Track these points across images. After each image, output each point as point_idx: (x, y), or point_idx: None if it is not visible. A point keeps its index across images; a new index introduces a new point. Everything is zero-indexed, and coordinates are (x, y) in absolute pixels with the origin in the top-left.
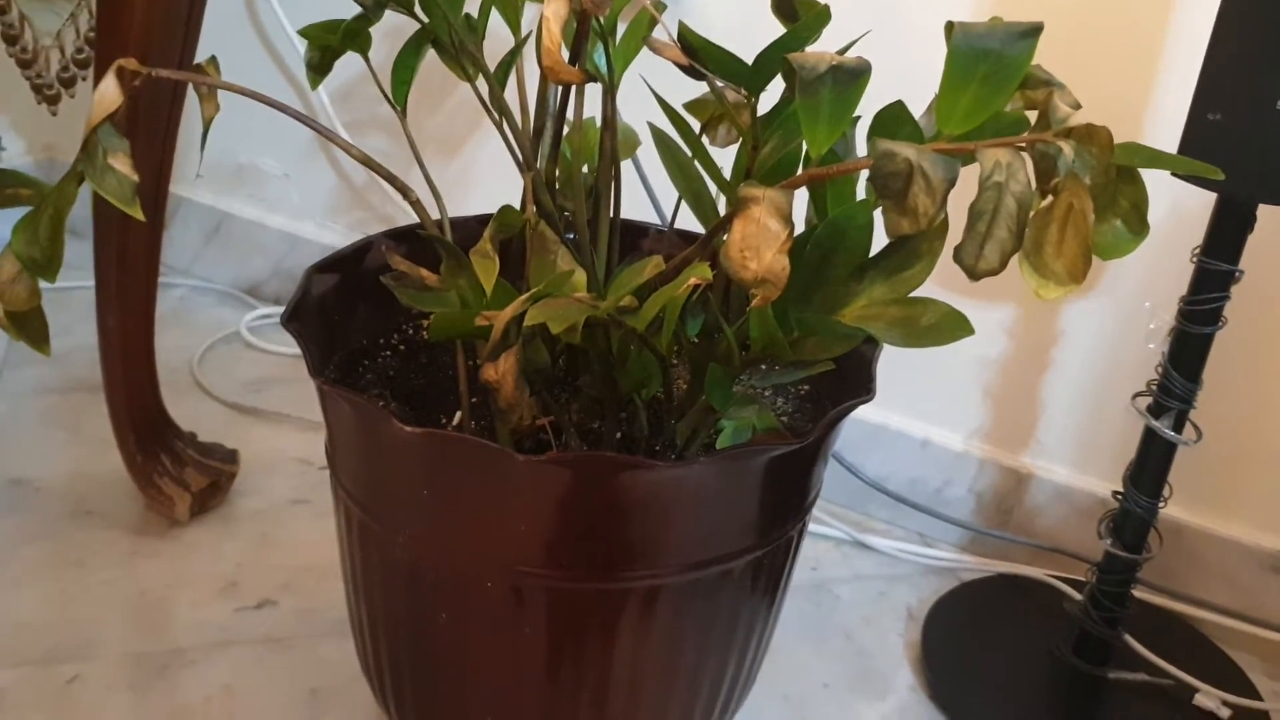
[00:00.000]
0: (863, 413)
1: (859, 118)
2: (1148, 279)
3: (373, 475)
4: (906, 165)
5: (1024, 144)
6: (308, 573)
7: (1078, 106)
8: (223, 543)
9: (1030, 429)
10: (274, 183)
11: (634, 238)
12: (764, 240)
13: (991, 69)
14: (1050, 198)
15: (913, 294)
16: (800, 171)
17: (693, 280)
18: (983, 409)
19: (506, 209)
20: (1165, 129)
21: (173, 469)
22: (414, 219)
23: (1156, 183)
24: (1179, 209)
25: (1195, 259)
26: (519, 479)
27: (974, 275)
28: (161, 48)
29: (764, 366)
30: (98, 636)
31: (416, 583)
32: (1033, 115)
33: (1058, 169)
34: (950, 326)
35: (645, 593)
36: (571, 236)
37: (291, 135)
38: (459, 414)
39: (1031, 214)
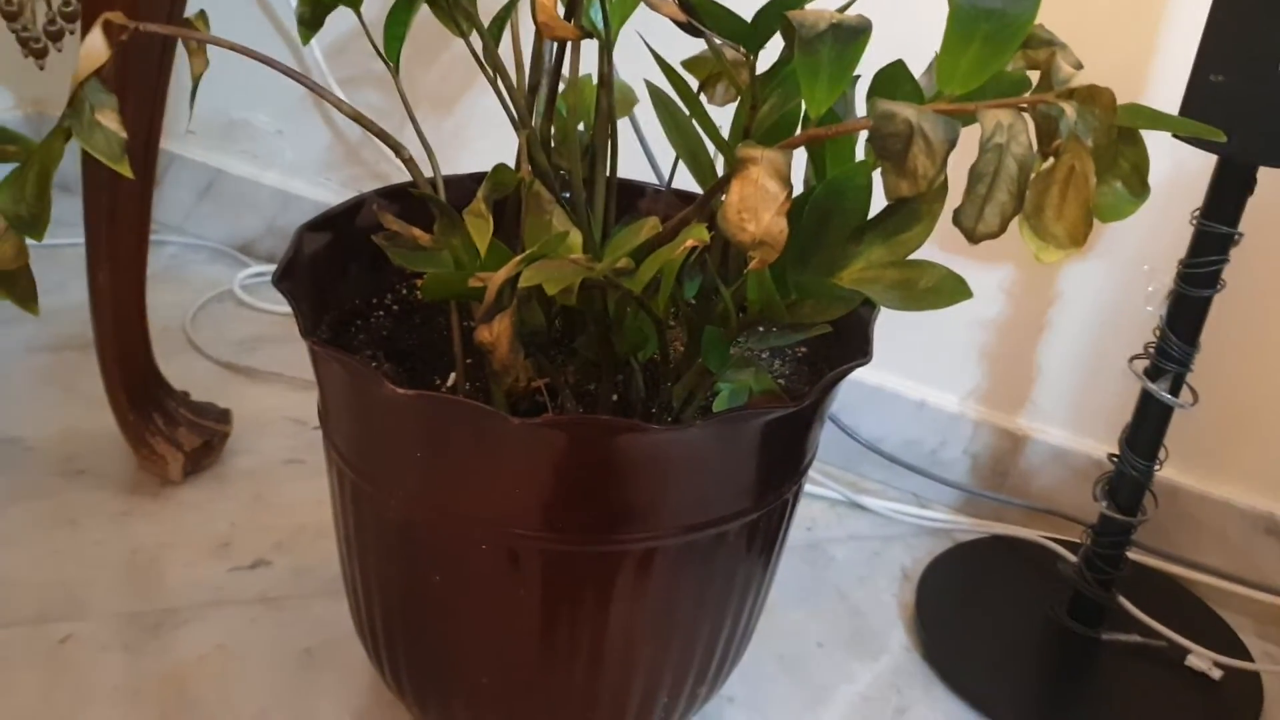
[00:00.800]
0: (859, 374)
1: (859, 77)
2: (1147, 241)
3: (365, 437)
4: (906, 126)
5: (1026, 105)
6: (301, 532)
7: (1080, 67)
8: (216, 502)
9: (1026, 391)
10: (267, 139)
11: (631, 197)
12: (762, 202)
13: (994, 28)
14: (1051, 160)
15: (911, 256)
16: (799, 131)
17: (690, 242)
18: (979, 371)
19: (500, 168)
20: (1167, 90)
21: (165, 428)
22: (408, 177)
23: (1157, 144)
24: (1180, 171)
25: (1195, 221)
26: (513, 442)
27: (973, 238)
28: (151, 5)
29: (761, 329)
30: (90, 596)
31: (410, 545)
32: (1035, 76)
33: (1059, 131)
34: (949, 289)
35: (641, 555)
36: (567, 196)
37: (284, 91)
38: (454, 375)
39: (1032, 176)
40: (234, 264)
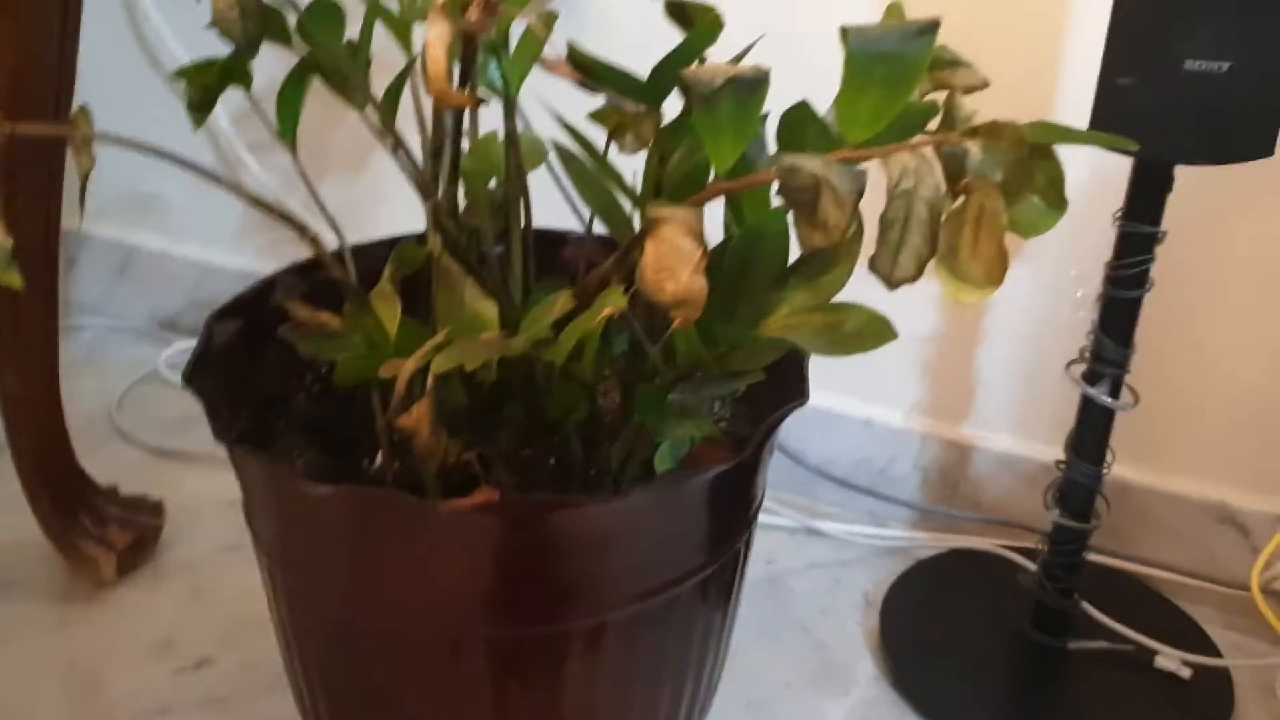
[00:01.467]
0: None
1: (767, 114)
2: (1072, 245)
3: (292, 535)
4: (812, 179)
5: (931, 145)
6: (245, 624)
7: (986, 84)
8: (154, 600)
9: (969, 400)
10: (180, 211)
11: (554, 247)
12: (678, 260)
13: (891, 71)
14: (962, 199)
15: (835, 299)
16: (711, 181)
17: (608, 310)
18: (921, 384)
19: (404, 246)
20: (1080, 95)
21: (94, 529)
22: (332, 238)
23: (1074, 148)
24: (1098, 172)
25: (1117, 223)
26: (441, 529)
27: (890, 285)
28: (33, 99)
29: (696, 378)
30: (29, 717)
31: (349, 641)
32: (943, 95)
33: (966, 169)
34: (874, 332)
35: (590, 631)
36: (499, 250)
37: (195, 159)
38: (381, 456)
39: (944, 217)
40: (157, 342)
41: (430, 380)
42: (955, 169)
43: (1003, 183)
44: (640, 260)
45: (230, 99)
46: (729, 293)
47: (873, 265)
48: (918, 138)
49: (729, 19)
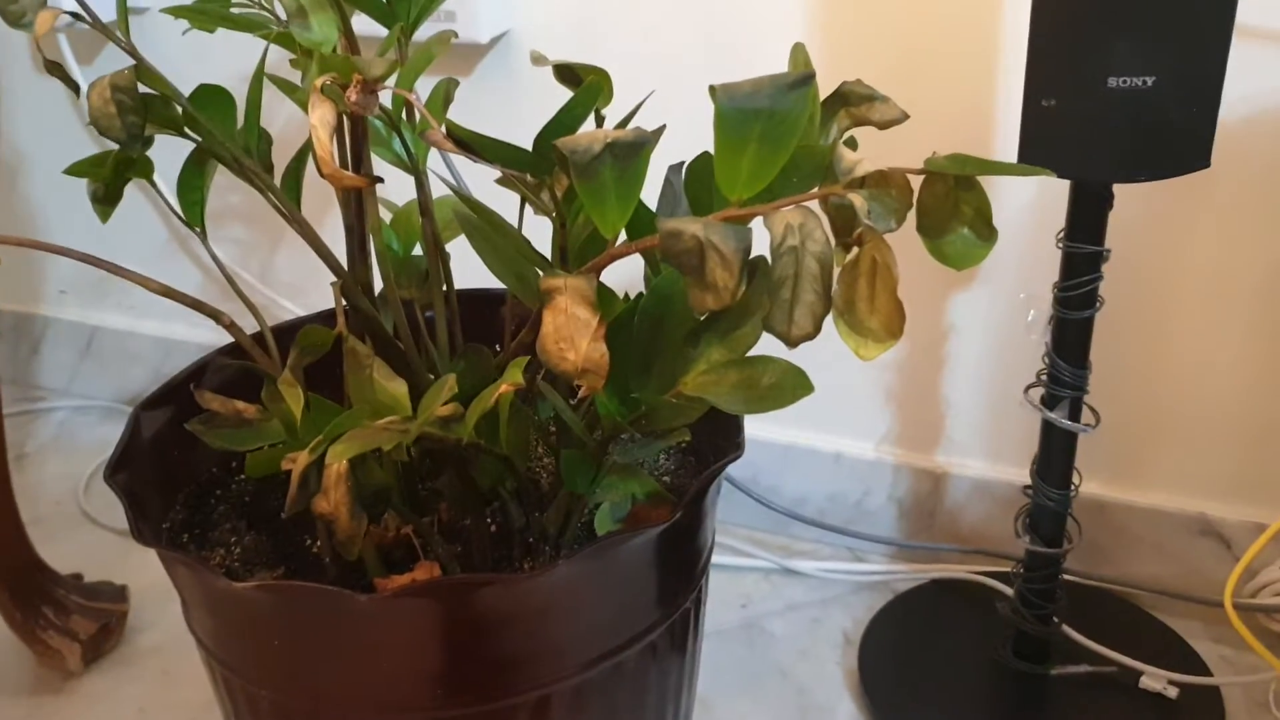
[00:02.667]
0: (771, 434)
1: (682, 164)
2: (1021, 265)
3: (225, 630)
4: (695, 242)
5: (816, 199)
6: (214, 707)
7: (904, 118)
8: (123, 687)
9: (939, 427)
10: (139, 289)
11: (489, 306)
12: (576, 330)
13: (766, 127)
14: (855, 250)
15: (750, 352)
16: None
17: (504, 388)
18: (889, 414)
19: (309, 329)
20: (1014, 117)
21: (57, 619)
22: (288, 308)
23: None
24: (1042, 192)
25: (1061, 244)
26: (369, 617)
27: (790, 342)
28: None
29: (623, 440)
30: None
31: None
32: (860, 131)
33: (856, 220)
34: (791, 385)
35: (534, 705)
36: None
37: (149, 236)
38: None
39: (838, 270)
40: (124, 420)
41: (338, 467)
42: (845, 221)
43: (923, 211)
44: (540, 332)
45: (169, 171)
46: (644, 350)
47: (768, 325)
48: (802, 193)
49: (642, 48)
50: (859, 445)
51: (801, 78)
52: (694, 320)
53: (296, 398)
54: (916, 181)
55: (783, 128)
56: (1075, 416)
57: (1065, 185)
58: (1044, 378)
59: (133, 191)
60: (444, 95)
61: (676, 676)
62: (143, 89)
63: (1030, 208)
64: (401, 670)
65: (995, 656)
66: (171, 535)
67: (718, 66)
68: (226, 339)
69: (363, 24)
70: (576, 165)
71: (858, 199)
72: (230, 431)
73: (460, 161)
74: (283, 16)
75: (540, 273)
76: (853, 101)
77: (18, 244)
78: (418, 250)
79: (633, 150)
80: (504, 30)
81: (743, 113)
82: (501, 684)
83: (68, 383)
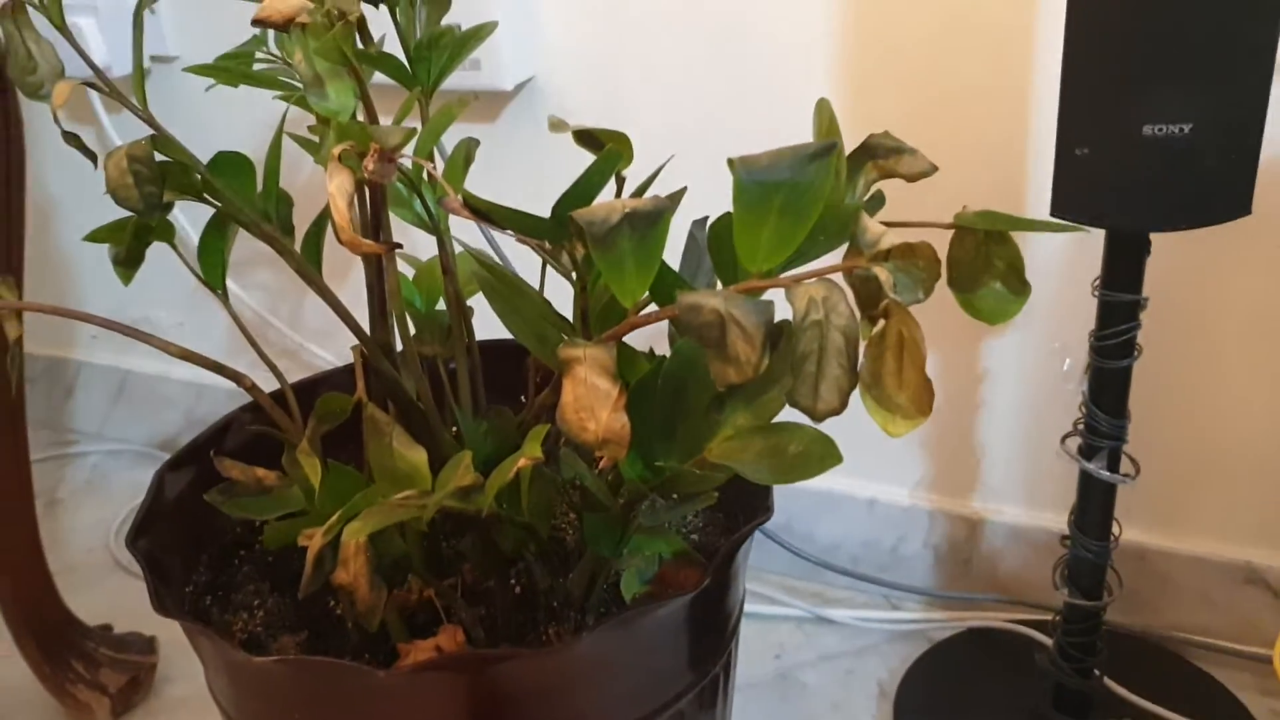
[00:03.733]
0: (805, 481)
1: (707, 218)
2: (1057, 312)
3: (246, 699)
4: (715, 315)
5: (840, 272)
6: None
7: (933, 170)
8: None
9: (974, 473)
10: (170, 333)
11: (515, 356)
12: (596, 400)
13: (787, 199)
14: (882, 323)
15: (776, 419)
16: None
17: (521, 463)
18: (924, 459)
19: (327, 399)
20: (1047, 160)
21: (86, 673)
22: (317, 354)
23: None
24: (1078, 240)
25: (1096, 292)
26: (389, 691)
27: (815, 417)
28: None
29: (647, 504)
30: None
31: None
32: (888, 184)
33: (881, 292)
34: (819, 454)
35: None
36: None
37: (179, 283)
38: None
39: (864, 343)
40: (157, 463)
41: (356, 542)
42: (871, 291)
43: (954, 265)
44: (560, 401)
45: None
46: (668, 414)
47: (793, 400)
48: (826, 263)
49: (668, 94)
50: (893, 491)
51: (822, 148)
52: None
53: (315, 468)
54: (946, 235)
55: (805, 199)
56: (1114, 467)
57: (1097, 233)
58: (1081, 427)
59: (163, 252)
60: (464, 155)
61: None
62: (160, 156)
63: (1063, 253)
64: None
65: (1035, 710)
66: (195, 598)
67: (744, 108)
68: (257, 382)
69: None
70: (594, 237)
71: (883, 273)
72: (249, 500)
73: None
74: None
75: (562, 335)
76: (880, 154)
77: (38, 310)
78: (440, 305)
79: (651, 219)
80: (528, 77)
81: (763, 186)
82: None
83: (100, 426)
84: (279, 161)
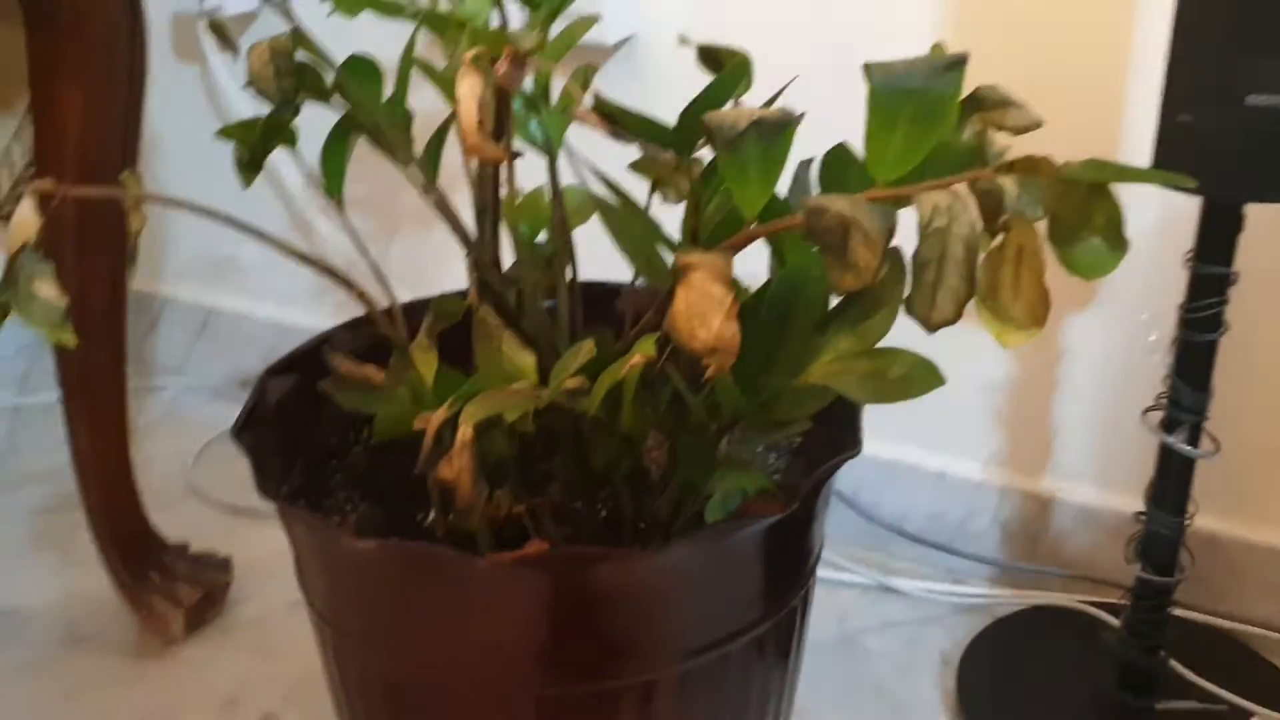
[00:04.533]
0: (874, 450)
1: (811, 160)
2: (1144, 287)
3: (339, 592)
4: (839, 220)
5: (965, 182)
6: (309, 681)
7: (1038, 124)
8: (221, 657)
9: (1047, 451)
10: (257, 272)
11: (605, 299)
12: (709, 307)
13: (918, 108)
14: (1001, 237)
15: (880, 344)
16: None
17: (636, 359)
18: (997, 435)
19: (443, 298)
20: (1145, 133)
21: (163, 585)
22: (400, 295)
23: (1143, 188)
24: (1169, 212)
25: (1188, 264)
26: (485, 584)
27: (930, 327)
28: (100, 161)
29: (741, 428)
30: None
31: (396, 700)
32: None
33: (1004, 206)
34: (921, 378)
35: (641, 689)
36: (549, 304)
37: (268, 221)
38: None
39: (983, 255)
40: (235, 402)
41: (465, 431)
42: (992, 206)
43: (1055, 219)
44: (671, 308)
45: (302, 161)
46: (769, 339)
47: (909, 307)
48: (952, 177)
49: (771, 57)
50: (964, 465)
51: (955, 59)
52: (823, 310)
53: (430, 362)
54: None
55: (934, 109)
56: (1194, 442)
57: (1189, 205)
58: (1164, 401)
59: (256, 189)
60: (583, 79)
61: (780, 677)
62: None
63: (1153, 227)
64: (512, 643)
65: (1098, 687)
66: (289, 499)
67: (844, 72)
68: (337, 324)
69: None
70: (722, 141)
71: (1008, 183)
72: (359, 395)
73: (589, 153)
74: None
75: (667, 258)
76: (987, 106)
77: (166, 203)
78: (540, 238)
79: (777, 129)
80: (630, 34)
81: (896, 92)
82: (609, 665)
83: (181, 362)
84: (410, 67)
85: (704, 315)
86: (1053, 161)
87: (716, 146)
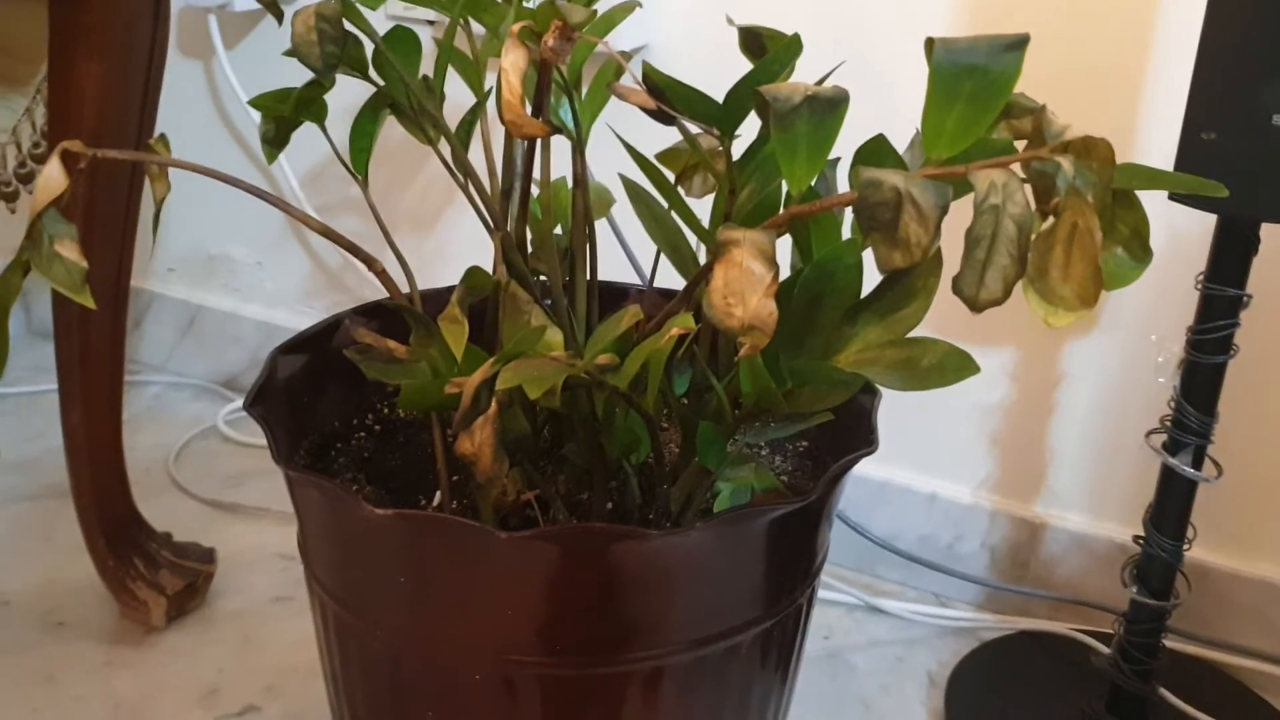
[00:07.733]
0: (866, 469)
1: (839, 159)
2: (1150, 310)
3: (347, 565)
4: (894, 194)
5: (1020, 162)
6: (292, 674)
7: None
8: (202, 647)
9: (1040, 476)
10: (246, 272)
11: (614, 300)
12: (748, 285)
13: (977, 85)
14: (1051, 219)
15: (910, 334)
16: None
17: (675, 330)
18: (990, 458)
19: (474, 270)
20: (1157, 152)
21: (146, 572)
22: (402, 279)
23: (1150, 208)
24: (1176, 234)
25: (1200, 285)
26: (502, 558)
27: (976, 306)
28: (115, 136)
29: (758, 423)
30: None
31: (399, 678)
32: (1021, 145)
33: (1057, 187)
34: (954, 366)
35: (647, 675)
36: (549, 302)
37: (261, 222)
38: (439, 494)
39: (1033, 237)
40: (218, 400)
41: (491, 404)
42: (1045, 187)
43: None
44: (707, 286)
45: (299, 162)
46: (798, 326)
47: (957, 287)
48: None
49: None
50: (955, 488)
51: (1018, 39)
52: (854, 298)
53: (460, 334)
54: None
55: (994, 88)
56: (1197, 465)
57: (1196, 227)
58: (1168, 423)
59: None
60: (616, 67)
61: (782, 673)
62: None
63: (1160, 248)
64: (522, 619)
65: (1086, 712)
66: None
67: (860, 78)
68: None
69: None
70: (777, 113)
71: (1065, 162)
72: (384, 365)
73: (609, 149)
74: None
75: (693, 245)
76: (1015, 114)
77: (191, 169)
78: (557, 231)
79: (830, 105)
80: (643, 44)
81: (957, 68)
82: (618, 646)
83: (165, 359)
84: (453, 38)
85: (742, 293)
86: (1108, 145)
87: (770, 119)
